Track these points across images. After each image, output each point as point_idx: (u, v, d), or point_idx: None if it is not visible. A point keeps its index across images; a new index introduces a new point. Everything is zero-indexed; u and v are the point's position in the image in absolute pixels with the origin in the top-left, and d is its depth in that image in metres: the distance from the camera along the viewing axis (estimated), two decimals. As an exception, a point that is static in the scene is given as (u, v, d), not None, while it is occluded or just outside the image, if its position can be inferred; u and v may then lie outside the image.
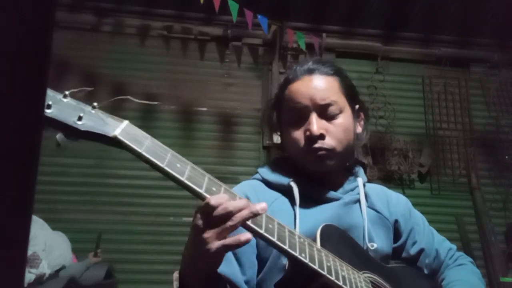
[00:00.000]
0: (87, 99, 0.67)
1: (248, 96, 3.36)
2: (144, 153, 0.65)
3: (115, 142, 0.65)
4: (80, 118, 0.63)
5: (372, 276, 0.89)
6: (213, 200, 0.68)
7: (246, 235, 0.69)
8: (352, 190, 1.03)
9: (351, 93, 1.04)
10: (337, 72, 1.03)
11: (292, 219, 0.94)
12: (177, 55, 3.34)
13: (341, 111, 0.98)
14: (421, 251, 1.06)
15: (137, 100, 0.80)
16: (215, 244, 0.68)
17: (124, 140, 0.65)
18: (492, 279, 3.11)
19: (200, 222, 0.69)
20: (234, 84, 3.37)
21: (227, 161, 3.20)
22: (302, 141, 0.96)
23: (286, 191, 0.99)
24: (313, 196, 0.97)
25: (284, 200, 0.98)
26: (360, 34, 3.59)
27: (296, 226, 0.92)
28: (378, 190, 1.10)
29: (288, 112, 1.01)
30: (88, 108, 0.66)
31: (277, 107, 1.07)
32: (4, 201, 0.28)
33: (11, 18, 0.27)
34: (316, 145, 0.94)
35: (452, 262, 1.08)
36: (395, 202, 1.10)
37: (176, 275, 1.64)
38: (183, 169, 0.69)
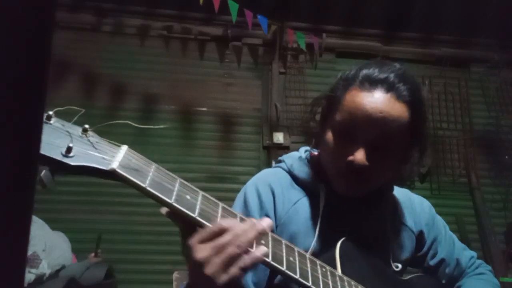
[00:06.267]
0: (84, 103, 0.65)
1: (248, 96, 3.36)
2: (148, 188, 0.58)
3: (113, 176, 0.56)
4: (69, 150, 0.52)
5: None
6: (224, 223, 0.60)
7: (261, 249, 0.61)
8: (379, 202, 0.97)
9: (418, 127, 0.87)
10: (414, 98, 0.84)
11: (313, 223, 0.91)
12: (177, 55, 3.34)
13: (397, 148, 0.85)
14: (442, 261, 1.05)
15: (136, 125, 0.71)
16: (228, 275, 0.58)
17: (124, 174, 0.56)
18: (492, 279, 3.11)
19: (202, 254, 0.59)
20: (234, 84, 3.37)
21: (227, 161, 3.20)
22: (340, 161, 0.85)
23: (311, 192, 0.94)
24: (338, 204, 0.92)
25: (308, 202, 0.93)
26: (360, 34, 3.59)
27: (316, 232, 0.89)
28: (403, 197, 1.06)
29: (338, 122, 0.85)
30: (78, 132, 0.56)
31: (329, 102, 0.91)
32: (4, 201, 0.28)
33: (10, 18, 0.27)
34: (354, 173, 0.84)
35: (472, 271, 1.08)
36: (419, 210, 1.07)
37: (176, 275, 1.64)
38: (193, 201, 0.61)
